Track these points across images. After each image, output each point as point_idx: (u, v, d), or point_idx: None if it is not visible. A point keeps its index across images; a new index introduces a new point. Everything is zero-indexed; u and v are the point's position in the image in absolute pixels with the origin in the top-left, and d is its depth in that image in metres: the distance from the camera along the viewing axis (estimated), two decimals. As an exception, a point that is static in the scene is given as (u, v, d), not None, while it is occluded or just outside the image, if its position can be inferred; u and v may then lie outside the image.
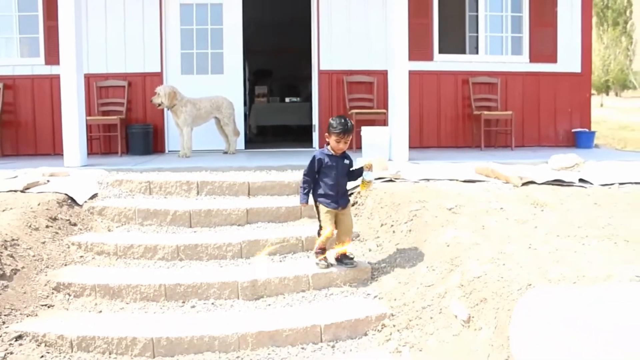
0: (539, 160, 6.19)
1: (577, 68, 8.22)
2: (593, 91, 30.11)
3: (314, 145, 7.96)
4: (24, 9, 7.55)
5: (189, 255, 4.16)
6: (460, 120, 8.05)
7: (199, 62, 7.78)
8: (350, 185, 4.12)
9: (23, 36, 7.62)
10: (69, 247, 4.23)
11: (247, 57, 9.46)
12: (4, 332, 3.17)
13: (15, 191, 4.76)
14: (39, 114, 7.57)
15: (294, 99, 11.65)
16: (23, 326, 3.25)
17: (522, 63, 8.12)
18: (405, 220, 4.35)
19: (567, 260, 3.35)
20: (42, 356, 3.10)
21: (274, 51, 11.85)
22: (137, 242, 4.21)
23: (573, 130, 8.21)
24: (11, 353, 3.06)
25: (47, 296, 3.63)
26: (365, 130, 6.44)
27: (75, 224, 4.52)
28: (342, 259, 3.93)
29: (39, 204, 4.44)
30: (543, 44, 8.10)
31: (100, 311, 3.57)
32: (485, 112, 7.73)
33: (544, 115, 8.20)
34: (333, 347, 3.26)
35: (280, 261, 4.18)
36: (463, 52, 8.33)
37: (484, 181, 5.28)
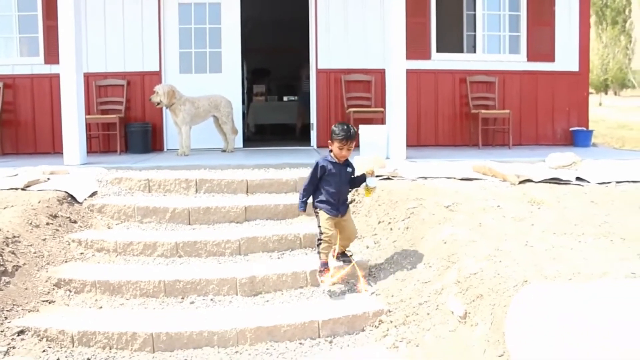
0: (537, 159, 6.22)
1: (574, 67, 8.25)
2: (592, 90, 30.18)
3: (312, 144, 7.99)
4: (23, 9, 7.57)
5: (188, 252, 4.20)
6: (458, 118, 8.08)
7: (197, 61, 7.80)
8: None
9: (23, 36, 7.64)
10: (69, 244, 4.26)
11: (246, 56, 9.48)
12: (6, 327, 3.21)
13: (16, 189, 4.79)
14: (38, 113, 7.60)
15: (292, 98, 11.68)
16: (25, 321, 3.29)
17: (519, 62, 8.15)
18: (402, 217, 4.39)
19: (563, 257, 3.38)
20: (43, 350, 3.14)
21: (272, 50, 11.88)
22: (136, 239, 4.25)
23: (571, 129, 8.25)
24: (13, 347, 3.10)
25: (48, 292, 3.67)
26: (363, 129, 6.47)
27: (75, 222, 4.56)
28: (339, 257, 3.96)
29: (39, 202, 4.47)
30: (541, 43, 8.13)
31: (101, 307, 3.61)
32: (483, 111, 7.76)
33: (541, 114, 8.23)
34: (331, 342, 3.30)
35: (279, 258, 4.21)
36: (461, 51, 8.37)
37: (481, 179, 5.32)
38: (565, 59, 8.19)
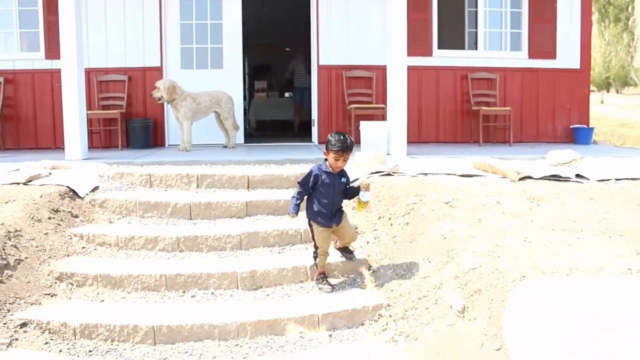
0: (537, 156, 6.24)
1: (576, 64, 8.26)
2: (594, 88, 30.15)
3: (313, 140, 8.01)
4: (24, 4, 7.58)
5: (189, 247, 4.23)
6: (459, 115, 8.10)
7: (198, 56, 7.82)
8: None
9: (23, 31, 7.65)
10: (71, 239, 4.29)
11: (247, 52, 9.50)
12: (9, 320, 3.24)
13: (17, 184, 4.82)
14: (39, 108, 7.62)
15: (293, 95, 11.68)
16: (27, 314, 3.32)
17: (521, 59, 8.16)
18: (402, 213, 4.41)
19: (562, 253, 3.41)
20: (46, 343, 3.17)
21: (273, 46, 11.89)
22: (138, 234, 4.27)
23: (571, 126, 8.26)
24: (16, 339, 3.13)
25: (51, 285, 3.70)
26: (364, 125, 6.50)
27: (77, 216, 4.58)
28: (343, 251, 3.97)
29: (41, 196, 4.50)
30: (542, 40, 8.14)
31: (103, 300, 3.64)
32: (484, 108, 7.78)
33: (542, 111, 8.25)
34: (330, 336, 3.33)
35: (279, 253, 4.24)
36: (462, 47, 8.37)
37: (481, 176, 5.34)
38: (567, 56, 8.20)
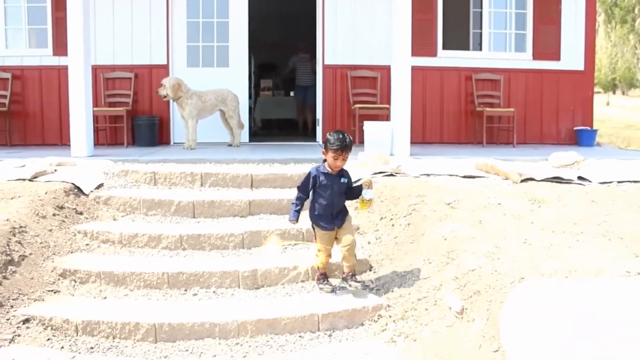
0: (540, 158, 6.25)
1: (580, 66, 8.24)
2: (600, 89, 29.98)
3: (317, 139, 8.04)
4: (32, 0, 7.64)
5: (192, 245, 4.26)
6: (463, 116, 8.10)
7: (204, 54, 7.86)
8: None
9: (32, 27, 7.71)
10: (75, 235, 4.33)
11: (253, 50, 9.52)
12: (12, 316, 3.28)
13: (23, 180, 4.87)
14: (46, 104, 7.68)
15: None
16: (30, 310, 3.36)
17: (525, 60, 8.16)
18: (404, 214, 4.43)
19: (561, 255, 3.42)
20: (48, 339, 3.21)
21: (279, 45, 11.89)
22: (141, 232, 4.31)
23: (575, 128, 8.25)
24: (19, 335, 3.18)
25: (54, 282, 3.74)
26: (368, 125, 6.52)
27: (81, 213, 4.63)
28: (347, 279, 3.65)
29: (46, 193, 4.54)
30: (546, 42, 8.13)
31: (105, 297, 3.68)
32: (488, 109, 7.78)
33: (546, 113, 8.24)
34: (330, 335, 3.35)
35: (281, 252, 4.27)
36: (467, 48, 8.38)
37: (483, 177, 5.35)
38: (571, 57, 8.19)
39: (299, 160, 5.75)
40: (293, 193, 4.95)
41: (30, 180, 4.88)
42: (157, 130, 7.62)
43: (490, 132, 7.93)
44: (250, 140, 8.13)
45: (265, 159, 5.78)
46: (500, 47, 8.22)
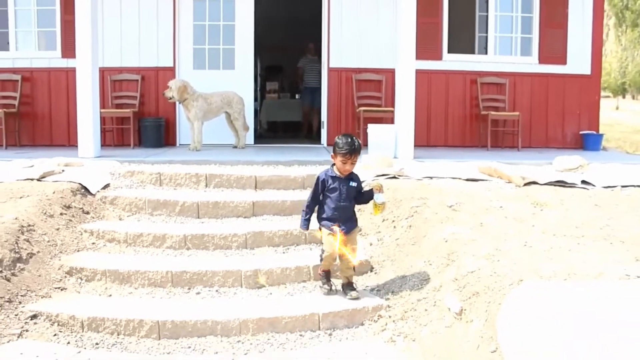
0: (544, 162, 6.26)
1: (586, 70, 8.24)
2: (609, 93, 29.78)
3: (322, 142, 8.08)
4: (42, 3, 7.75)
5: (196, 245, 4.32)
6: (468, 120, 8.13)
7: (210, 57, 7.93)
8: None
9: (41, 30, 7.82)
10: (81, 234, 4.40)
11: (259, 53, 9.59)
12: (20, 311, 3.36)
13: (31, 179, 4.95)
14: (55, 105, 7.78)
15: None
16: (38, 306, 3.43)
17: (531, 64, 8.16)
18: (406, 216, 4.46)
19: (561, 258, 3.45)
20: (55, 335, 3.28)
21: (285, 47, 11.96)
22: (146, 231, 4.38)
23: (581, 132, 8.25)
24: (26, 331, 3.25)
25: (61, 279, 3.81)
26: (372, 128, 6.56)
27: (88, 212, 4.70)
28: (344, 289, 3.69)
29: (54, 192, 4.62)
30: (553, 46, 8.14)
31: (110, 295, 3.75)
32: (493, 113, 7.80)
33: (551, 117, 8.24)
34: (330, 335, 3.39)
35: (284, 252, 4.32)
36: (472, 52, 8.39)
37: (486, 180, 5.37)
38: (577, 62, 8.19)
39: (303, 162, 5.80)
40: (297, 195, 5.05)
41: (38, 180, 4.96)
42: (163, 132, 7.70)
43: (495, 135, 7.95)
44: (256, 142, 8.19)
45: (269, 161, 5.83)
46: (506, 50, 8.23)
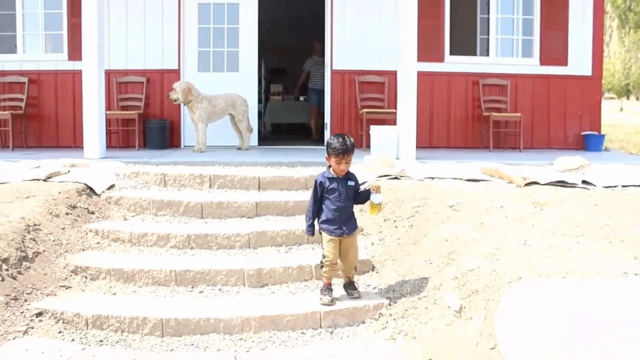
0: (545, 162, 6.29)
1: (587, 71, 8.27)
2: (613, 95, 29.67)
3: (325, 144, 8.11)
4: (49, 7, 7.85)
5: (200, 244, 4.37)
6: (470, 121, 8.16)
7: (215, 60, 8.00)
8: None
9: (48, 33, 7.92)
10: (86, 234, 4.47)
11: (263, 55, 9.64)
12: (26, 309, 3.42)
13: (38, 180, 5.02)
14: (61, 107, 7.87)
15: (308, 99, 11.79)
16: (43, 304, 3.50)
17: (532, 65, 8.20)
18: (407, 216, 4.50)
19: (560, 256, 3.48)
20: (60, 332, 3.34)
21: (289, 50, 12.03)
22: (150, 231, 4.43)
23: (582, 133, 8.27)
24: (32, 328, 3.31)
25: (66, 278, 3.88)
26: (374, 130, 6.61)
27: (93, 212, 4.77)
28: (346, 289, 3.71)
29: (59, 193, 4.69)
30: (554, 47, 8.18)
31: (115, 293, 3.80)
32: (494, 114, 7.84)
33: (553, 118, 8.27)
34: (331, 333, 3.44)
35: (286, 252, 4.37)
36: (474, 54, 8.43)
37: (487, 181, 5.41)
38: (579, 63, 8.22)
39: (306, 164, 5.85)
40: (299, 195, 5.09)
41: (44, 180, 5.02)
42: (168, 134, 7.77)
43: (497, 136, 7.98)
44: (259, 144, 8.25)
45: (272, 162, 5.88)
46: (508, 52, 8.27)
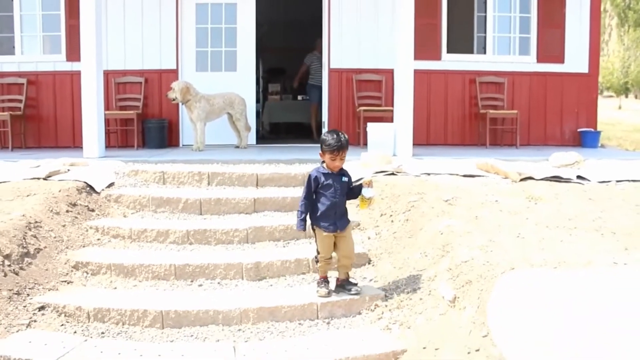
0: (541, 158, 6.35)
1: (584, 69, 8.33)
2: (612, 93, 29.72)
3: (323, 142, 8.17)
4: (47, 8, 7.91)
5: (198, 240, 4.43)
6: (467, 118, 8.23)
7: (213, 59, 8.06)
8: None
9: (46, 34, 7.98)
10: (87, 231, 4.53)
11: (261, 55, 9.69)
12: (29, 303, 3.48)
13: (38, 179, 5.09)
14: (60, 108, 7.93)
15: (307, 97, 11.84)
16: (45, 298, 3.56)
17: (529, 63, 8.26)
18: (403, 210, 4.57)
19: (552, 248, 3.55)
20: (62, 325, 3.40)
21: (287, 49, 12.08)
22: (150, 227, 4.49)
23: (579, 129, 8.33)
24: (35, 321, 3.37)
25: (67, 273, 3.94)
26: (371, 127, 6.67)
27: (93, 210, 4.83)
28: (344, 285, 3.69)
29: (60, 191, 4.75)
30: (551, 45, 8.24)
31: (115, 287, 3.87)
32: (491, 111, 7.90)
33: (550, 115, 8.33)
34: (328, 323, 3.50)
35: (284, 246, 4.43)
36: (471, 52, 8.50)
37: (483, 176, 5.47)
38: (575, 60, 8.28)
39: (304, 161, 5.91)
40: (297, 191, 5.13)
41: (44, 179, 5.08)
42: (167, 133, 7.83)
43: (493, 133, 8.05)
44: (257, 142, 8.30)
45: (270, 160, 5.94)
46: (505, 50, 8.33)
